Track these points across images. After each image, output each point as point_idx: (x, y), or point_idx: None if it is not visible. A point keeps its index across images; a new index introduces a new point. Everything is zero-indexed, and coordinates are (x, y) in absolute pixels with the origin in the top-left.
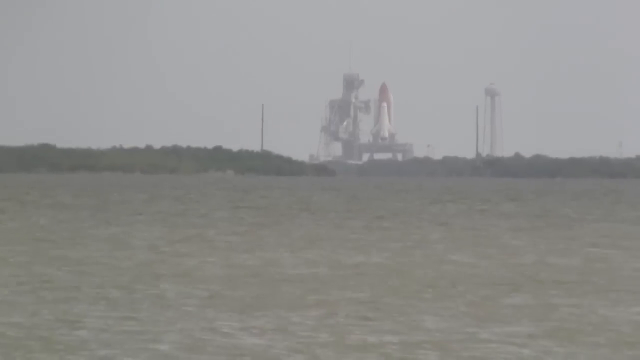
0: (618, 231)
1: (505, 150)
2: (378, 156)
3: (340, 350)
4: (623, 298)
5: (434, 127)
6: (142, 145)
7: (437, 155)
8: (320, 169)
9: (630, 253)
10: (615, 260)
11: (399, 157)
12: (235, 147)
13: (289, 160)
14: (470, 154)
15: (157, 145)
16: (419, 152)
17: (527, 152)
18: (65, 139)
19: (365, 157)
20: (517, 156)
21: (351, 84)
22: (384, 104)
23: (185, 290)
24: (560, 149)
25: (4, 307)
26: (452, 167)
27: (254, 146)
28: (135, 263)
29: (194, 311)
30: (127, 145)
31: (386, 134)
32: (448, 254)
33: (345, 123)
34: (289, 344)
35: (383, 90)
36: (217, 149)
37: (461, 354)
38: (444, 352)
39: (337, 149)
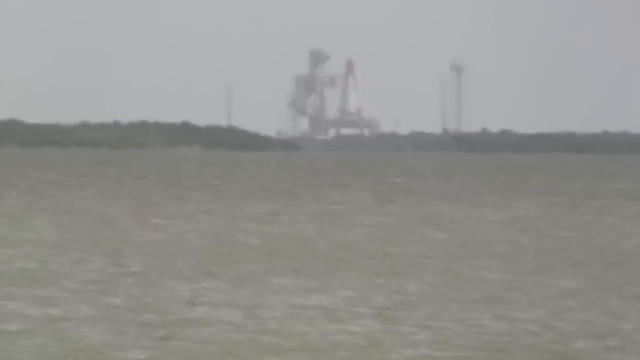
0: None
1: (472, 125)
2: (345, 131)
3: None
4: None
5: (400, 103)
6: (109, 120)
7: (404, 130)
8: (287, 145)
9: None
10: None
11: (366, 132)
12: (202, 123)
13: (255, 136)
14: (437, 130)
15: (124, 120)
16: (386, 128)
17: (494, 128)
18: (33, 114)
19: (332, 132)
20: (484, 131)
21: (317, 59)
22: (350, 79)
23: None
24: (527, 124)
25: None
26: (418, 142)
27: (221, 122)
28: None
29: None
30: (94, 120)
31: (353, 109)
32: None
33: (311, 98)
34: None
35: (349, 66)
36: (185, 125)
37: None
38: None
39: (303, 124)
